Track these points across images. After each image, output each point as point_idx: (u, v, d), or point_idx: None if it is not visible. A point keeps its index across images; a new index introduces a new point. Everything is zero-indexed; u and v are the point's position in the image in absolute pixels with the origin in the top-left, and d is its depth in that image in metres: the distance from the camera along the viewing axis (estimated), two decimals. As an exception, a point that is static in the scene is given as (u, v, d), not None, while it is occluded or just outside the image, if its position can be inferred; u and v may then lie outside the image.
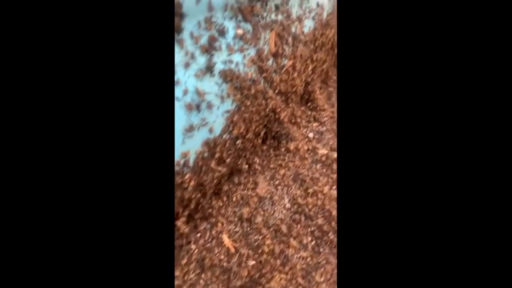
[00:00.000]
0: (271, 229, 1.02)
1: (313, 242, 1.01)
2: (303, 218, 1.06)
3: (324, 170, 1.27)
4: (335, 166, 1.28)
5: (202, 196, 0.96)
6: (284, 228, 1.02)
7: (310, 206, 1.10)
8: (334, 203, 1.12)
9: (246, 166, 1.14)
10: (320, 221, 1.06)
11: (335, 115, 1.56)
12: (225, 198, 1.07)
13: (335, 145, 1.36)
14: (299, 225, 1.04)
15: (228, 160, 0.99)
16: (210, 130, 0.89)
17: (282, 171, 1.21)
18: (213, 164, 0.93)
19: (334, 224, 1.05)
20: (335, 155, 1.31)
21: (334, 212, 1.08)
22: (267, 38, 1.00)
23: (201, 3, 0.75)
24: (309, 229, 1.04)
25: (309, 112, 1.50)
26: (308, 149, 1.31)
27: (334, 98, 1.70)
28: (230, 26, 0.87)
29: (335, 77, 1.82)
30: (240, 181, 1.13)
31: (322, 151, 1.32)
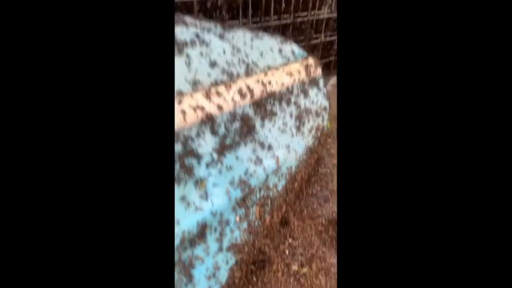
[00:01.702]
0: None
1: None
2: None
3: (295, 283, 1.81)
4: (302, 280, 1.82)
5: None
6: None
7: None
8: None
9: (241, 289, 1.67)
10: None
11: (306, 225, 2.13)
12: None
13: (304, 260, 1.92)
14: None
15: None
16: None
17: (264, 289, 1.74)
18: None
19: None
20: (303, 270, 1.86)
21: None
22: (254, 211, 1.59)
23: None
24: None
25: (285, 232, 2.07)
26: (283, 267, 1.86)
27: (305, 212, 2.29)
28: (231, 218, 1.44)
29: (308, 190, 2.43)
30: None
31: (294, 267, 1.87)
